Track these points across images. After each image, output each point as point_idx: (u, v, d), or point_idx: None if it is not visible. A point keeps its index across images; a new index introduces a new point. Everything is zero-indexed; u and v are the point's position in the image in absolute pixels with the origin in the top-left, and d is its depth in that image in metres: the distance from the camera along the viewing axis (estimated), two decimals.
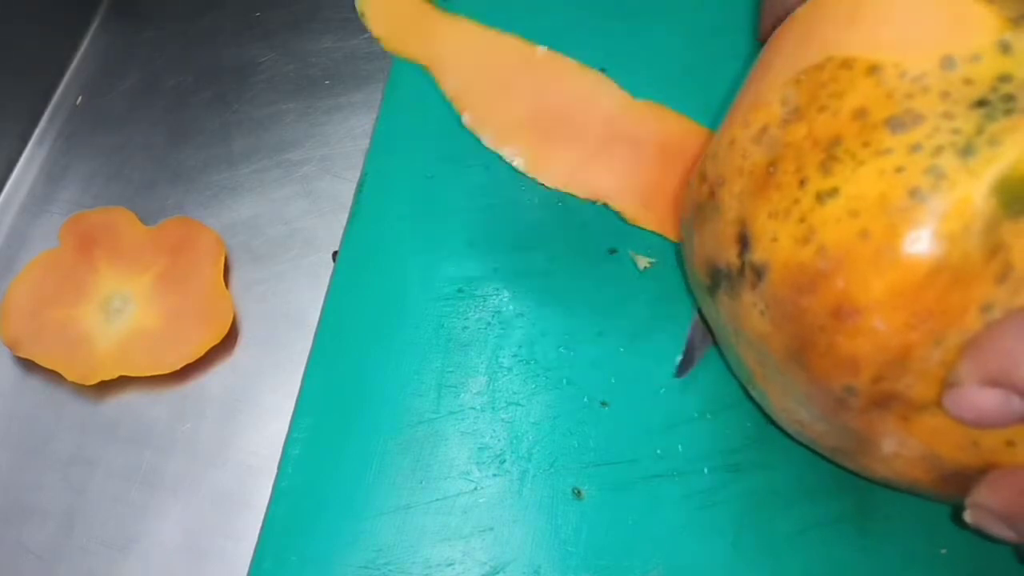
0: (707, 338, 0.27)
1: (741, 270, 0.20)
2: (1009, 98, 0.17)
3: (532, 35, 0.34)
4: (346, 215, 0.31)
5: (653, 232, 0.29)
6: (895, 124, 0.17)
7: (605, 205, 0.25)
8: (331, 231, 0.36)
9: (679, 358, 0.27)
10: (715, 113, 0.31)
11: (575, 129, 0.24)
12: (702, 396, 0.27)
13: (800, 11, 0.21)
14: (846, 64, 0.19)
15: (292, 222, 0.37)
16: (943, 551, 0.24)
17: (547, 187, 0.28)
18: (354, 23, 0.42)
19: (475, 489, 0.26)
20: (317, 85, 0.40)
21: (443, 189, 0.31)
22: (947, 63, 0.17)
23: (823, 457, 0.23)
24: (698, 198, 0.22)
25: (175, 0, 0.44)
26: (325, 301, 0.29)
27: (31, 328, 0.33)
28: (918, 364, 0.17)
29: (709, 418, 0.26)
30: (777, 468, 0.25)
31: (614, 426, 0.26)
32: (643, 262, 0.29)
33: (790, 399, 0.21)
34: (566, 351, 0.28)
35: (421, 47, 0.24)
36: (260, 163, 0.38)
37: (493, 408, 0.27)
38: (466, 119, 0.24)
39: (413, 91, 0.33)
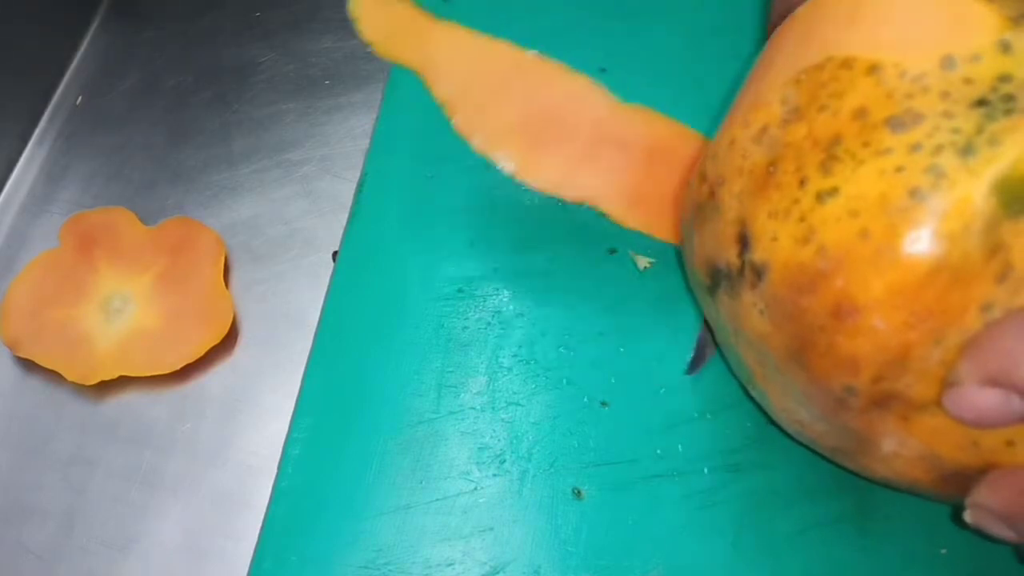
0: None
1: (741, 270, 0.20)
2: (1009, 98, 0.17)
3: (532, 35, 0.34)
4: (346, 215, 0.31)
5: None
6: (895, 124, 0.17)
7: (593, 208, 0.25)
8: (331, 231, 0.36)
9: (690, 356, 0.27)
10: (714, 113, 0.31)
11: (564, 133, 0.24)
12: (702, 396, 0.27)
13: (800, 11, 0.21)
14: (846, 64, 0.19)
15: (292, 222, 0.37)
16: (943, 551, 0.24)
17: None
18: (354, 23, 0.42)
19: (475, 489, 0.26)
20: (317, 85, 0.40)
21: (443, 189, 0.31)
22: (947, 63, 0.17)
23: (823, 457, 0.23)
24: (698, 198, 0.22)
25: (175, 0, 0.44)
26: (325, 301, 0.29)
27: (31, 328, 0.33)
28: (918, 364, 0.17)
29: (709, 418, 0.26)
30: (777, 468, 0.25)
31: (614, 426, 0.26)
32: (643, 262, 0.29)
33: (790, 399, 0.21)
34: (566, 351, 0.28)
35: (412, 52, 0.24)
36: (260, 163, 0.38)
37: (493, 408, 0.27)
38: (456, 124, 0.24)
39: (413, 91, 0.33)
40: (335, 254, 0.31)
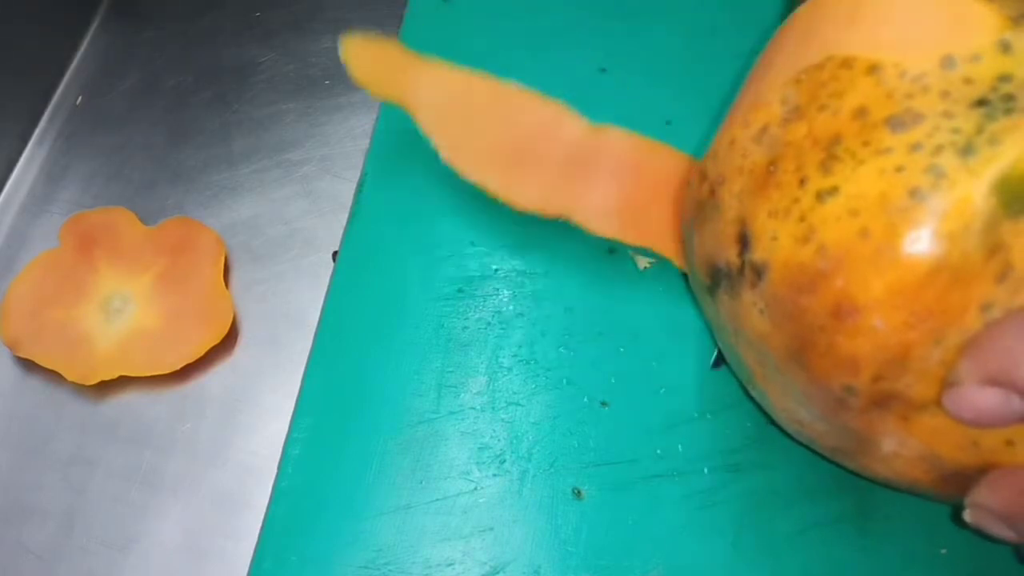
0: None
1: (741, 269, 0.20)
2: (1009, 97, 0.17)
3: (532, 35, 0.34)
4: (346, 215, 0.31)
5: None
6: (895, 123, 0.17)
7: (569, 221, 0.26)
8: (331, 231, 0.36)
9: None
10: (714, 113, 0.31)
11: (539, 156, 0.26)
12: (702, 396, 0.27)
13: (800, 11, 0.21)
14: (846, 64, 0.19)
15: (292, 222, 0.37)
16: (943, 551, 0.24)
17: None
18: (354, 23, 0.42)
19: (475, 489, 0.26)
20: (317, 85, 0.40)
21: (443, 189, 0.31)
22: (947, 63, 0.17)
23: (823, 457, 0.23)
24: (698, 197, 0.22)
25: (175, 0, 0.44)
26: (325, 301, 0.29)
27: (31, 328, 0.33)
28: (918, 364, 0.17)
29: (709, 418, 0.26)
30: (777, 468, 0.25)
31: (614, 426, 0.26)
32: (643, 262, 0.29)
33: (790, 399, 0.21)
34: (566, 351, 0.28)
35: (399, 91, 0.26)
36: (260, 163, 0.38)
37: (493, 408, 0.27)
38: (442, 156, 0.25)
39: None
40: (335, 254, 0.31)
